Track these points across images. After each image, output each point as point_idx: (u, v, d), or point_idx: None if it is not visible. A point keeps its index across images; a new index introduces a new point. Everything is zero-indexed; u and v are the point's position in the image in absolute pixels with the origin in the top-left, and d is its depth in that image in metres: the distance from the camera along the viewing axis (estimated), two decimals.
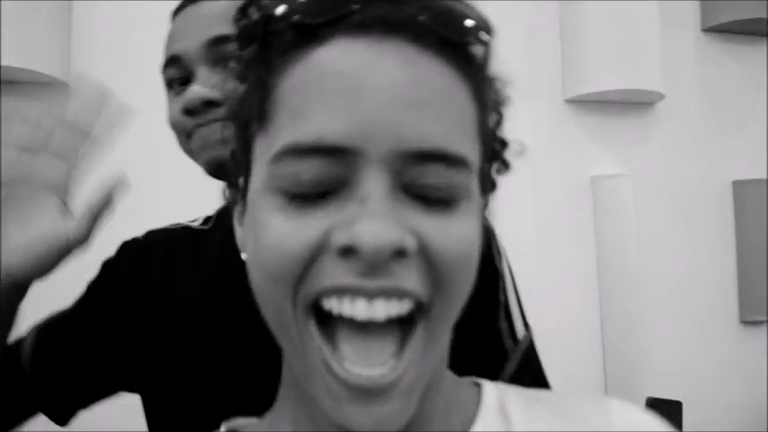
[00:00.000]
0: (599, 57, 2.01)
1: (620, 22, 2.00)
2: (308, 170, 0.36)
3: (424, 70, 0.37)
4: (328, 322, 0.38)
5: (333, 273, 0.36)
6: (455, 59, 0.39)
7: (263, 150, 0.39)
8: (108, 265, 0.82)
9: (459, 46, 0.39)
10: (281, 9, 0.39)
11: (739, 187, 2.24)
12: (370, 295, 0.36)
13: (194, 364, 0.73)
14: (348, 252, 0.35)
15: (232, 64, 0.67)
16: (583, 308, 2.06)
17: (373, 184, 0.36)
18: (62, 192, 0.63)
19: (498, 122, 0.45)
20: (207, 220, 0.83)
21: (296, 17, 0.38)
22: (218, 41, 0.70)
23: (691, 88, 2.25)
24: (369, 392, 0.36)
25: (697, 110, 2.25)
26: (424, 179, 0.37)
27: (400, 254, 0.35)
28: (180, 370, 0.74)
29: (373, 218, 0.35)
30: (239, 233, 0.45)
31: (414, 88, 0.36)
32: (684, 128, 2.22)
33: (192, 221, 0.84)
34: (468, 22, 0.40)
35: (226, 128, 0.66)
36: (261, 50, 0.41)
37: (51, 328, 0.78)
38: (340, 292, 0.36)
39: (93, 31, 1.63)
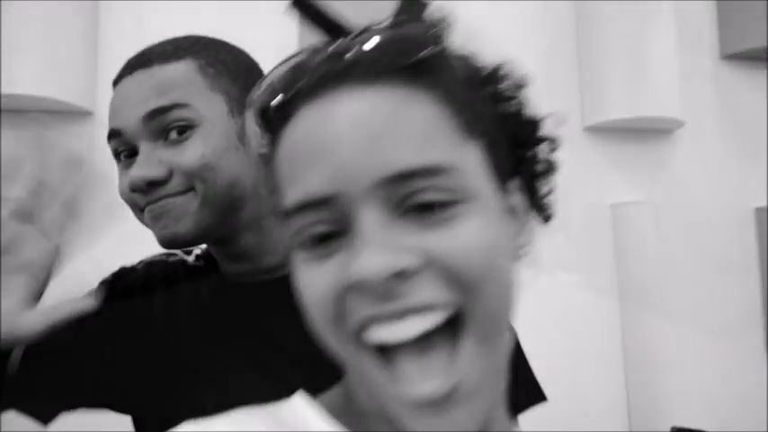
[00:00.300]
0: (618, 84, 2.01)
1: (639, 49, 2.00)
2: (309, 223, 0.41)
3: (374, 102, 0.40)
4: (384, 348, 0.40)
5: (357, 308, 0.39)
6: (405, 78, 0.41)
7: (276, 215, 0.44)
8: (104, 285, 0.83)
9: (403, 66, 0.41)
10: (252, 100, 0.46)
11: (762, 214, 2.21)
12: (392, 318, 0.39)
13: (186, 396, 0.74)
14: (356, 288, 0.39)
15: (173, 135, 0.69)
16: (603, 335, 2.03)
17: (363, 219, 0.39)
18: (37, 275, 0.61)
19: (513, 107, 0.47)
20: (198, 257, 0.85)
21: (263, 102, 0.44)
22: (155, 114, 0.71)
23: (710, 115, 2.24)
24: (430, 405, 0.39)
25: (716, 137, 2.23)
26: (410, 198, 0.39)
27: (402, 275, 0.38)
28: (170, 403, 0.75)
29: (364, 250, 0.38)
30: None
31: (367, 122, 0.40)
32: (704, 155, 2.21)
33: (187, 253, 0.86)
34: (405, 41, 0.42)
35: (176, 203, 0.68)
36: (263, 134, 0.47)
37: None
38: (367, 322, 0.39)
39: (120, 60, 1.67)
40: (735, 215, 2.22)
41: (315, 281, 0.41)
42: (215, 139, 0.71)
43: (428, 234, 0.39)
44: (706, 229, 2.18)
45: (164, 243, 0.73)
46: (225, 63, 0.76)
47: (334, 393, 0.49)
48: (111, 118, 0.74)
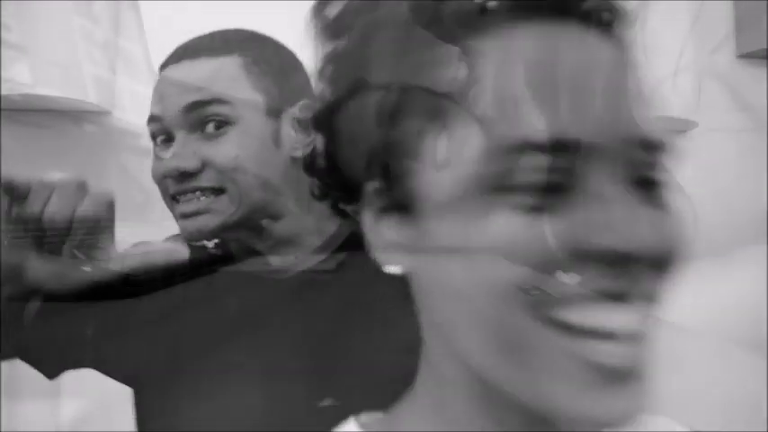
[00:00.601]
0: None
1: (652, 49, 1.99)
2: (536, 167, 0.32)
3: (605, 55, 0.35)
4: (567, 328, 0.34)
5: (578, 278, 0.32)
6: (612, 39, 0.38)
7: (457, 149, 0.34)
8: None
9: (613, 24, 0.38)
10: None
11: None
12: (627, 299, 0.33)
13: (187, 380, 0.75)
14: (609, 256, 0.32)
15: (209, 128, 0.71)
16: None
17: (610, 181, 0.33)
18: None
19: None
20: (217, 245, 0.86)
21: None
22: (194, 106, 0.73)
23: (725, 115, 2.22)
24: (613, 377, 0.33)
25: (732, 137, 2.22)
26: (646, 171, 0.35)
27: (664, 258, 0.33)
28: (169, 385, 0.76)
29: (630, 218, 0.32)
30: (377, 241, 0.40)
31: (612, 73, 0.35)
32: (719, 155, 2.19)
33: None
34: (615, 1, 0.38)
35: (207, 202, 0.70)
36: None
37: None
38: (588, 298, 0.33)
39: (137, 59, 1.67)
40: (751, 216, 2.21)
41: (525, 232, 0.32)
42: (249, 139, 0.74)
43: (658, 216, 0.34)
44: (722, 230, 2.16)
45: (187, 237, 0.77)
46: (270, 63, 0.78)
47: (398, 410, 0.44)
48: (153, 102, 0.77)
